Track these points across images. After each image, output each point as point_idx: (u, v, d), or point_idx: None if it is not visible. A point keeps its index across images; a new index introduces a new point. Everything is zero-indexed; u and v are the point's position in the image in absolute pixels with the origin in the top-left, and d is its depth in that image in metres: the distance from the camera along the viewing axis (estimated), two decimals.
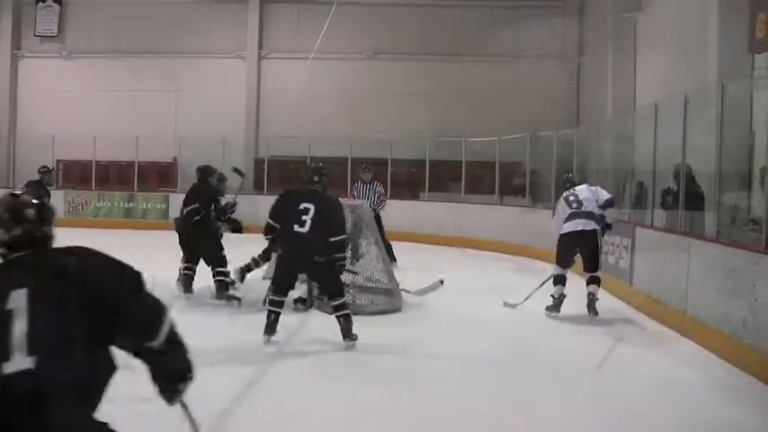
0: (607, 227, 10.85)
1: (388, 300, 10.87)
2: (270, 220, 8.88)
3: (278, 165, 24.73)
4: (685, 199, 10.53)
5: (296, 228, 8.28)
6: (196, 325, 9.50)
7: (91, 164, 24.79)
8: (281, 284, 8.67)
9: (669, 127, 10.96)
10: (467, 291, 11.44)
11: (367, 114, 25.43)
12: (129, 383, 3.58)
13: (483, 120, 23.36)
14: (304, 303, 10.48)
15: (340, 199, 9.61)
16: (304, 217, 8.26)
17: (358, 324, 8.82)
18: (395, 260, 14.13)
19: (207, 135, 23.54)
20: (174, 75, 26.63)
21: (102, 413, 2.99)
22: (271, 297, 8.76)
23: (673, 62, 16.74)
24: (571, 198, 10.73)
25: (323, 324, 9.36)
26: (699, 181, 11.27)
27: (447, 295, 11.51)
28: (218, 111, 25.74)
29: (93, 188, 24.67)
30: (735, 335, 7.95)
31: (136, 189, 24.61)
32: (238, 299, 10.92)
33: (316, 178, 8.69)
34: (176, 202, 22.66)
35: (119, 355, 3.16)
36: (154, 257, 15.04)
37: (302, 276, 9.56)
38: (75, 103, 26.45)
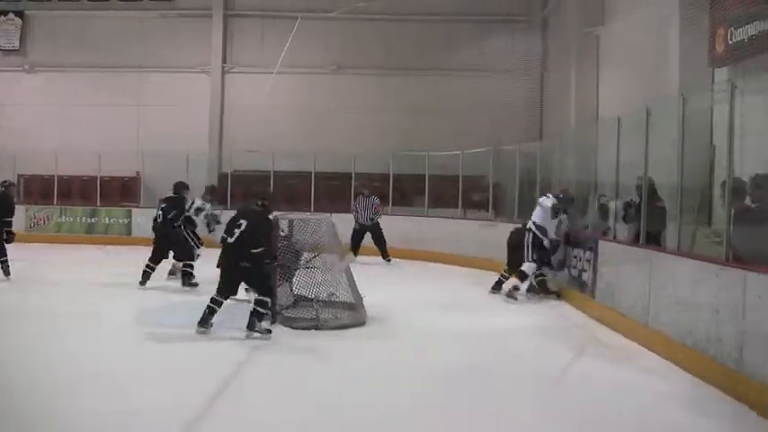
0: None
1: (352, 314, 10.82)
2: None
3: (241, 179, 24.61)
4: (647, 212, 10.58)
5: (228, 239, 9.72)
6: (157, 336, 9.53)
7: (53, 178, 24.49)
8: (221, 287, 9.84)
9: (631, 140, 11.01)
10: (429, 304, 11.44)
11: (330, 128, 25.44)
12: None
13: (446, 134, 23.52)
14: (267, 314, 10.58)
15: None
16: (235, 230, 9.66)
17: (322, 338, 8.83)
18: (389, 259, 18.46)
19: (170, 150, 23.37)
20: (138, 89, 26.52)
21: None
22: (213, 296, 9.82)
23: (635, 76, 16.86)
24: None
25: (286, 338, 9.40)
26: (661, 194, 11.33)
27: (410, 309, 11.56)
28: (181, 125, 25.65)
29: (56, 203, 24.32)
30: (697, 347, 7.98)
31: (98, 204, 24.29)
32: (197, 284, 13.33)
33: (259, 202, 10.14)
34: (139, 216, 22.71)
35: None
36: (118, 270, 15.21)
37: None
38: (38, 117, 26.28)
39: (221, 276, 9.91)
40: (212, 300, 9.74)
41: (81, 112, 26.26)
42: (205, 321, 9.63)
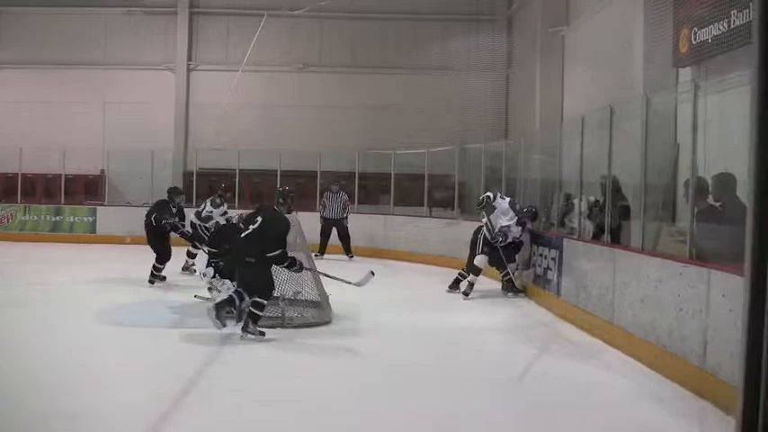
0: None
1: (318, 312, 10.81)
2: None
3: (206, 177, 24.52)
4: (611, 210, 10.66)
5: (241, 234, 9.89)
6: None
7: (17, 176, 24.21)
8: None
9: (596, 139, 11.09)
10: (395, 303, 11.46)
11: (296, 127, 25.41)
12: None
13: (412, 132, 23.53)
14: (232, 312, 10.55)
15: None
16: (251, 226, 9.77)
17: (287, 336, 8.82)
18: (352, 256, 19.25)
19: (135, 147, 23.32)
20: (103, 87, 26.28)
21: None
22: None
23: (599, 75, 16.97)
24: None
25: (251, 336, 9.38)
26: (625, 192, 11.41)
27: (376, 307, 11.55)
28: (146, 123, 25.54)
29: (19, 201, 23.98)
30: (660, 344, 8.05)
31: (63, 202, 24.03)
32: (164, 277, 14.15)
33: (281, 200, 10.21)
34: (104, 215, 22.56)
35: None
36: (81, 270, 15.12)
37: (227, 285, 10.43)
38: (1, 114, 26.03)
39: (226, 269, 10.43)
40: (235, 292, 9.83)
41: (45, 109, 26.02)
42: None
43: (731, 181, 8.16)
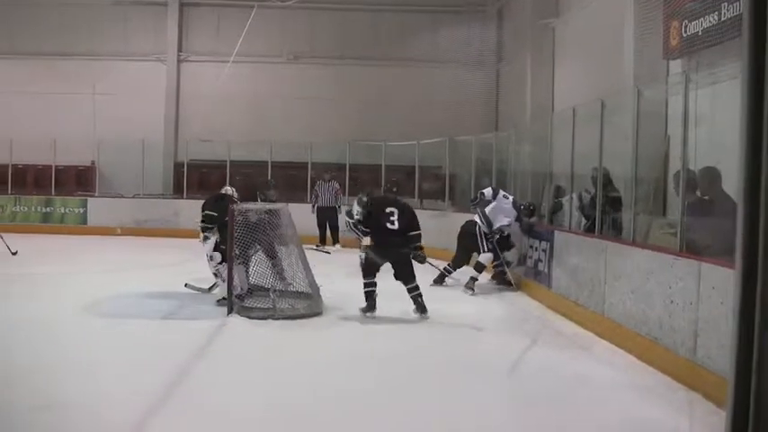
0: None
1: (309, 304, 10.82)
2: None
3: (197, 168, 24.51)
4: (602, 202, 10.68)
5: (388, 226, 10.56)
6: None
7: (7, 167, 24.15)
8: (369, 270, 10.73)
9: (586, 131, 11.10)
10: (385, 294, 11.43)
11: (287, 118, 25.35)
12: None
13: (403, 124, 23.56)
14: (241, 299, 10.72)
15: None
16: (392, 218, 10.55)
17: (278, 327, 8.86)
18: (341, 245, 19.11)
19: (126, 139, 23.31)
20: (93, 77, 26.07)
21: None
22: (364, 281, 10.68)
23: (590, 68, 16.99)
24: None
25: (243, 328, 9.41)
26: (616, 184, 11.42)
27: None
28: (137, 114, 25.37)
29: (10, 192, 24.00)
30: (651, 336, 8.07)
31: (53, 193, 24.03)
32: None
33: (395, 189, 11.68)
34: (95, 206, 22.55)
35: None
36: (71, 261, 15.08)
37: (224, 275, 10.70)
38: None
39: (377, 258, 10.66)
40: (366, 284, 10.64)
41: (36, 99, 25.84)
42: (370, 307, 10.60)
43: (716, 175, 8.20)
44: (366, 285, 10.63)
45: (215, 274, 11.45)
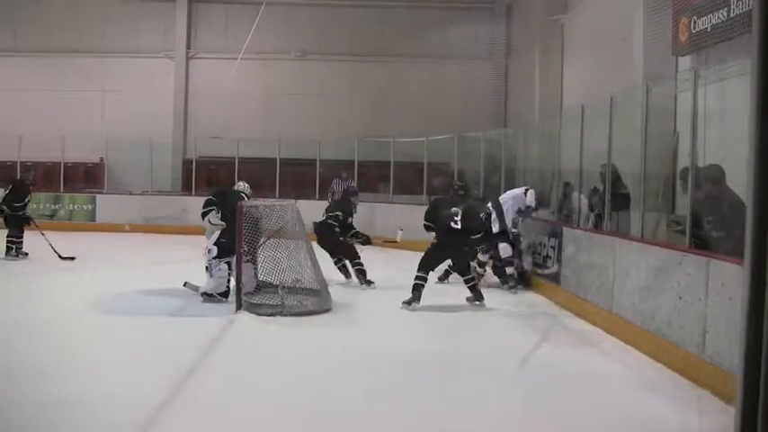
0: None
1: (317, 300, 10.81)
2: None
3: (206, 165, 24.55)
4: (611, 199, 10.67)
5: (451, 224, 11.10)
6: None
7: (16, 164, 24.14)
8: (427, 264, 11.28)
9: (595, 128, 11.08)
10: (395, 290, 11.44)
11: (295, 115, 25.33)
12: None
13: (411, 120, 23.51)
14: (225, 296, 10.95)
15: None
16: (455, 217, 11.10)
17: (286, 325, 8.86)
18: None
19: (134, 135, 23.34)
20: (102, 74, 26.21)
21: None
22: (417, 273, 11.13)
23: (599, 64, 16.95)
24: None
25: (251, 324, 9.40)
26: (625, 181, 11.41)
27: (376, 295, 11.60)
28: (145, 111, 25.44)
29: None
30: (659, 333, 8.06)
31: (62, 190, 24.09)
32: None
33: (461, 191, 12.68)
34: (103, 203, 22.59)
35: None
36: (78, 257, 15.09)
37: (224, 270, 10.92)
38: (0, 102, 25.90)
39: (436, 254, 11.39)
40: (417, 277, 11.09)
41: (44, 97, 25.90)
42: (414, 298, 10.98)
43: (720, 174, 8.18)
44: (417, 278, 11.06)
45: (206, 268, 11.44)
